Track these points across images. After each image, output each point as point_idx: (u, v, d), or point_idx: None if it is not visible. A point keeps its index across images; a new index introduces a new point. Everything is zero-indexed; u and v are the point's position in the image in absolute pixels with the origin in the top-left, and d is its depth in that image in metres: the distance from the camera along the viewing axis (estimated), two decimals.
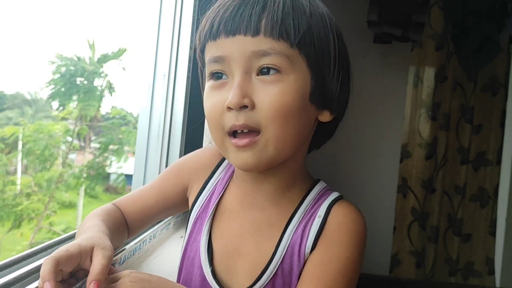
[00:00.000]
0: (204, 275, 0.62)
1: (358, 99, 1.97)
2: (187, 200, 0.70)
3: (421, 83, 1.98)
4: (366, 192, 1.95)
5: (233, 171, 0.67)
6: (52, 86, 8.61)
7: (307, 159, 0.65)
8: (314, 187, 0.64)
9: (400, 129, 1.98)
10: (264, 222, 0.62)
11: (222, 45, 0.54)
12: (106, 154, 8.16)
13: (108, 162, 8.37)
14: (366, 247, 0.61)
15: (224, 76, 0.56)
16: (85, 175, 7.75)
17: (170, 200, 0.70)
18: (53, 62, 8.64)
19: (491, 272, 1.95)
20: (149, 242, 0.92)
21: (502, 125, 2.01)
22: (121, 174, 8.48)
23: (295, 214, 0.62)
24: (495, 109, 2.03)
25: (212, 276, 0.61)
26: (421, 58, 1.98)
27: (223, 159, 0.68)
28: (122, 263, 0.78)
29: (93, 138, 8.84)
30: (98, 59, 8.78)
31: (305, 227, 0.60)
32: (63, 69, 8.71)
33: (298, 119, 0.55)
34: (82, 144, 8.45)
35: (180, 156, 1.06)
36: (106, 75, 8.88)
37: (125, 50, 8.84)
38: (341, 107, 0.61)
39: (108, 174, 8.92)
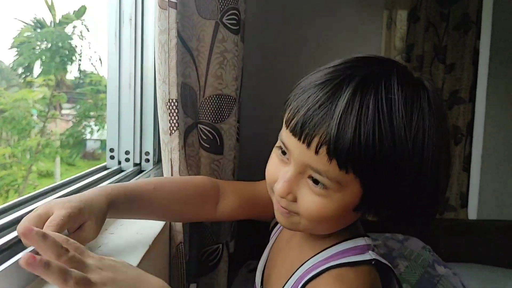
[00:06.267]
0: None
1: (334, 46, 1.97)
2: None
3: (394, 25, 1.97)
4: None
5: None
6: (16, 52, 8.23)
7: None
8: (344, 241, 0.63)
9: None
10: (287, 262, 0.68)
11: (290, 139, 0.57)
12: (84, 122, 7.96)
13: (86, 129, 8.17)
14: None
15: (285, 155, 0.60)
16: (60, 143, 7.58)
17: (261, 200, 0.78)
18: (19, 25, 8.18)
19: (464, 205, 2.03)
20: None
21: (474, 63, 2.03)
22: (104, 140, 8.32)
23: (301, 266, 0.63)
24: (467, 47, 2.04)
25: None
26: (394, 0, 1.95)
27: None
28: None
29: (65, 105, 8.58)
30: (60, 21, 8.36)
31: None
32: (27, 34, 8.30)
33: (334, 222, 0.59)
34: (53, 111, 8.19)
35: (154, 105, 1.03)
36: (71, 37, 8.50)
37: (86, 8, 8.41)
38: (394, 211, 0.59)
39: (85, 141, 8.75)
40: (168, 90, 0.74)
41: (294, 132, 0.56)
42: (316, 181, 0.56)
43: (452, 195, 2.06)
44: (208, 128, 0.91)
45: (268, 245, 0.76)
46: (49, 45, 8.21)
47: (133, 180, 0.72)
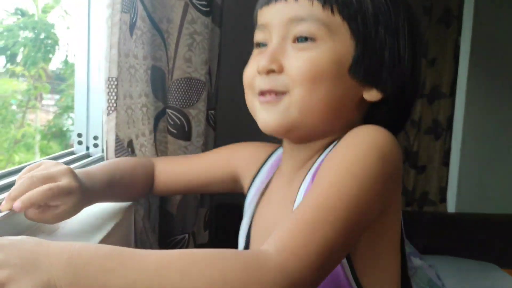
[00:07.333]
0: None
1: None
2: (224, 183, 0.73)
3: None
4: None
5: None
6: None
7: None
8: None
9: None
10: (288, 192, 0.58)
11: (265, 13, 0.56)
12: (66, 113, 7.83)
13: (67, 121, 8.04)
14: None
15: (265, 46, 0.57)
16: (41, 134, 7.45)
17: (208, 174, 0.73)
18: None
19: (443, 200, 2.04)
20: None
21: (455, 57, 2.04)
22: None
23: (312, 166, 0.55)
24: (449, 41, 2.04)
25: None
26: None
27: (273, 152, 0.69)
28: None
29: (46, 96, 8.43)
30: (42, 9, 8.21)
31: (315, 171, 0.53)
32: (8, 23, 8.12)
33: (330, 87, 0.53)
34: (33, 102, 8.04)
35: None
36: (52, 27, 8.34)
37: None
38: (394, 85, 0.54)
39: (68, 133, 8.62)
40: (109, 67, 0.73)
41: None
42: (304, 39, 0.52)
43: (432, 190, 2.07)
44: (176, 113, 0.89)
45: (248, 209, 0.67)
46: (31, 34, 8.05)
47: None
